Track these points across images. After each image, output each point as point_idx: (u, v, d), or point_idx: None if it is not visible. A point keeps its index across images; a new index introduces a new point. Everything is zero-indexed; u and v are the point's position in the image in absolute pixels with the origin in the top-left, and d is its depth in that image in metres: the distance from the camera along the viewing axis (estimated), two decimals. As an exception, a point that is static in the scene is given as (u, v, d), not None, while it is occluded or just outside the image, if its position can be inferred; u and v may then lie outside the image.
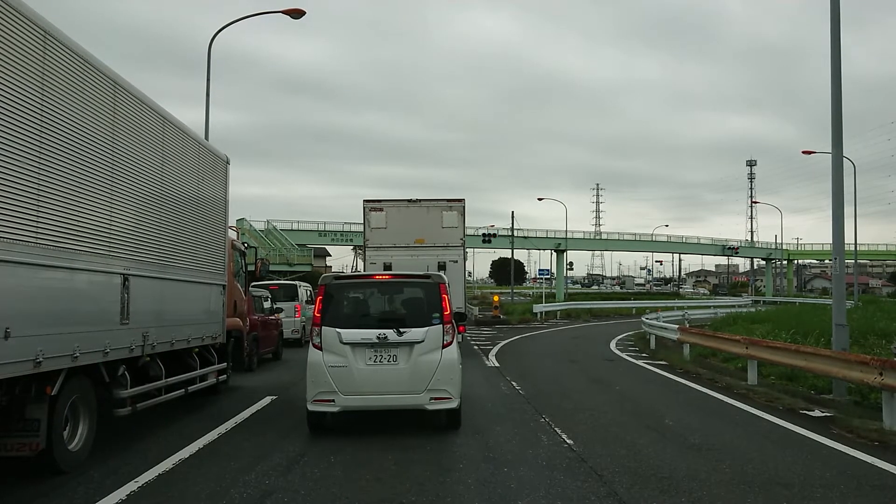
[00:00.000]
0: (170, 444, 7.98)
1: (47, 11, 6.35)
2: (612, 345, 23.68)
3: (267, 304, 18.31)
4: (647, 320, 25.24)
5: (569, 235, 70.09)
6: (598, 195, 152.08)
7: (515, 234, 58.51)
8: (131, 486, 6.26)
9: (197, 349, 10.45)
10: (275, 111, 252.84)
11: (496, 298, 40.58)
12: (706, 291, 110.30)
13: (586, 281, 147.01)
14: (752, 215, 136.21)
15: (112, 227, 7.46)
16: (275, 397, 11.65)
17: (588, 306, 49.01)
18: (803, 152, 48.72)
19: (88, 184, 6.95)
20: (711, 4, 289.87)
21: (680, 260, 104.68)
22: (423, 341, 8.44)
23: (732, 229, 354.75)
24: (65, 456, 6.67)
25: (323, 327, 8.53)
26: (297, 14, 19.53)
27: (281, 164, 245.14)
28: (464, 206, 20.79)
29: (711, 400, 11.72)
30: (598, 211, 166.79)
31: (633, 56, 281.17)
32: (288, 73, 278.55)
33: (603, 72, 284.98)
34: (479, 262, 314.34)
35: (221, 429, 8.94)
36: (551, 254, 76.48)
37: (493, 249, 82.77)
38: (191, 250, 9.99)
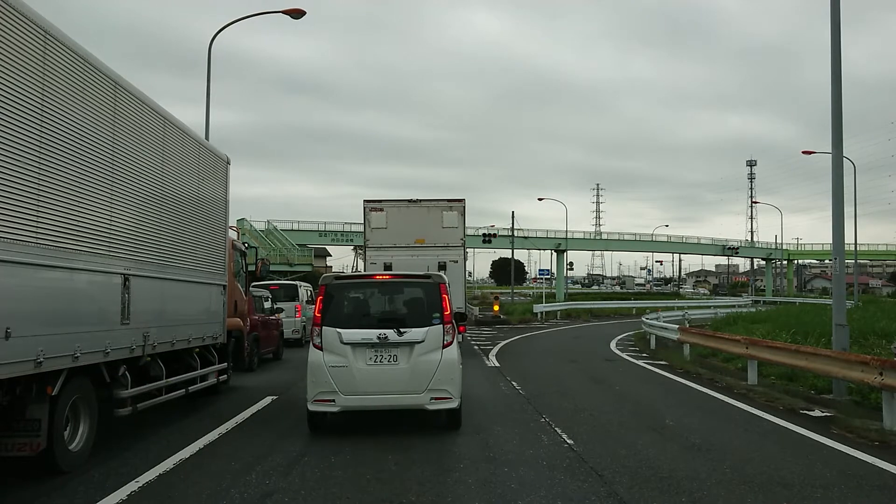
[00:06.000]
0: (170, 444, 7.99)
1: (47, 11, 6.35)
2: (613, 345, 23.68)
3: (267, 304, 18.33)
4: (648, 320, 25.24)
5: (569, 235, 70.08)
6: (598, 195, 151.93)
7: (515, 234, 58.47)
8: (132, 486, 6.27)
9: (197, 349, 10.46)
10: (274, 111, 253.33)
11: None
12: (706, 291, 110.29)
13: (586, 281, 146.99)
14: (752, 215, 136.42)
15: (112, 227, 7.46)
16: (275, 397, 11.66)
17: (588, 306, 49.01)
18: (803, 152, 48.71)
19: (88, 184, 6.95)
20: (709, 3, 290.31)
21: (680, 260, 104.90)
22: (423, 341, 8.45)
23: (732, 229, 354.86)
24: (65, 456, 6.67)
25: (323, 327, 8.53)
26: (297, 14, 19.51)
27: (281, 164, 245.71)
28: (464, 206, 20.78)
29: (711, 400, 11.72)
30: (598, 211, 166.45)
31: (631, 55, 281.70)
32: (287, 73, 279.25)
33: (601, 71, 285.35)
34: (479, 262, 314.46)
35: (222, 429, 8.94)
36: (551, 254, 76.46)
37: (494, 249, 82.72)
38: (191, 250, 10.00)
